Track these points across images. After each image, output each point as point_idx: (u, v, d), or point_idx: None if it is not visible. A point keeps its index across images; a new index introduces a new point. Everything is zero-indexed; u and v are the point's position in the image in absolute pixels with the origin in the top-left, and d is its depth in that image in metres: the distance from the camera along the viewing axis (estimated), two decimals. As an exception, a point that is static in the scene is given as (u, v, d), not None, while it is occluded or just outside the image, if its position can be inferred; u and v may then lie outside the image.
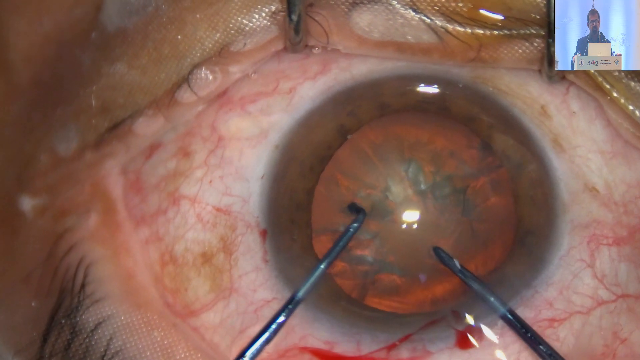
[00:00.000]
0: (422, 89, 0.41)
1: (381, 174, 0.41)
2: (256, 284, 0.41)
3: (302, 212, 0.41)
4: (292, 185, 0.41)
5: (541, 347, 0.39)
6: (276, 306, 0.40)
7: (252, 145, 0.41)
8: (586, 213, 0.40)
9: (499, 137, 0.41)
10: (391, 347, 0.40)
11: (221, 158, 0.41)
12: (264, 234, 0.41)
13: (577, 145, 0.40)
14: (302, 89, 0.41)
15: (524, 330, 0.39)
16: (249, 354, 0.39)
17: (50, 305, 0.39)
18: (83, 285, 0.39)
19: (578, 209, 0.40)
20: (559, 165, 0.40)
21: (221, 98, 0.40)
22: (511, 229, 0.41)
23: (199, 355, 0.39)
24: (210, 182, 0.41)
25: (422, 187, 0.41)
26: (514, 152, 0.41)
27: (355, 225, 0.40)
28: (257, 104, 0.41)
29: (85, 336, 0.38)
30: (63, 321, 0.38)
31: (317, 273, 0.40)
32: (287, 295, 0.40)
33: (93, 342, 0.38)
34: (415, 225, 0.41)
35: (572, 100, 0.40)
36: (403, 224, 0.41)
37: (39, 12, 0.38)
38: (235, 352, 0.40)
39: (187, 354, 0.39)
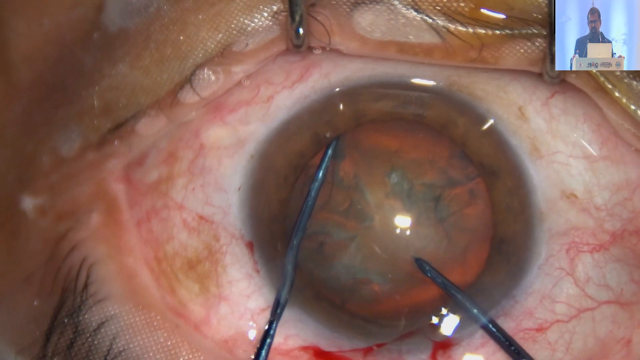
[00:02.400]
0: (398, 97, 0.41)
1: (356, 184, 0.41)
2: (248, 292, 0.41)
3: (281, 224, 0.41)
4: (270, 196, 0.41)
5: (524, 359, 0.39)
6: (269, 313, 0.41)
7: (230, 154, 0.41)
8: (564, 221, 0.40)
9: (474, 144, 0.41)
10: (368, 351, 0.40)
11: (202, 166, 0.41)
12: (250, 245, 0.41)
13: (556, 150, 0.40)
14: (280, 98, 0.41)
15: (507, 342, 0.39)
16: None
17: (52, 304, 0.39)
18: (86, 285, 0.39)
19: (555, 217, 0.40)
20: (536, 173, 0.40)
21: (208, 105, 0.40)
22: (488, 238, 0.41)
23: (202, 357, 0.39)
24: (193, 189, 0.41)
25: (396, 195, 0.41)
26: (490, 160, 0.41)
27: (329, 152, 0.40)
28: (237, 113, 0.41)
29: (88, 336, 0.38)
30: (66, 320, 0.38)
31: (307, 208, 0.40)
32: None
33: (96, 342, 0.38)
34: (391, 234, 0.41)
35: (555, 105, 0.40)
36: (378, 232, 0.41)
37: (38, 13, 0.38)
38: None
39: (191, 356, 0.39)
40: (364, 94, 0.41)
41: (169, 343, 0.39)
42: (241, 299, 0.40)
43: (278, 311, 0.40)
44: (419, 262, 0.40)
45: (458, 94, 0.40)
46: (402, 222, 0.41)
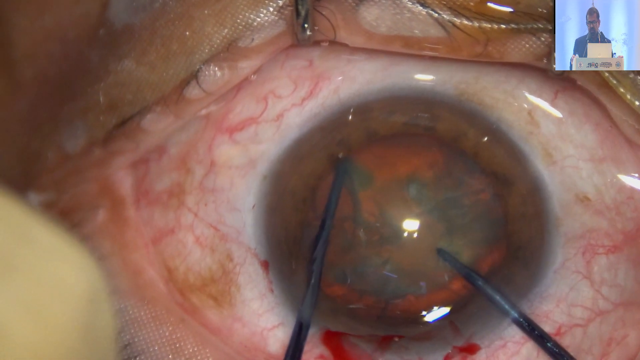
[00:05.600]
0: (408, 111, 0.41)
1: (368, 200, 0.41)
2: (261, 311, 0.41)
3: (299, 245, 0.41)
4: (286, 217, 0.41)
5: (549, 344, 0.39)
6: (281, 331, 0.41)
7: (242, 175, 0.41)
8: (580, 224, 0.40)
9: (487, 155, 0.41)
10: (384, 340, 0.41)
11: (214, 185, 0.41)
12: (265, 265, 0.41)
13: (567, 154, 0.40)
14: (290, 116, 0.40)
15: (536, 332, 0.39)
16: None
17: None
18: None
19: (571, 222, 0.40)
20: (550, 180, 0.40)
21: (221, 113, 0.40)
22: (504, 246, 0.41)
23: (207, 351, 0.39)
24: (206, 206, 0.41)
25: (410, 209, 0.41)
26: (504, 171, 0.41)
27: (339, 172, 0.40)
28: (247, 131, 0.40)
29: None
30: (71, 315, 0.38)
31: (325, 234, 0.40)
32: (293, 319, 0.40)
33: None
34: (412, 249, 0.41)
35: (560, 106, 0.40)
36: (399, 250, 0.41)
37: (40, 10, 0.37)
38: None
39: (196, 349, 0.39)
40: (374, 109, 0.41)
41: (174, 337, 0.39)
42: (254, 317, 0.40)
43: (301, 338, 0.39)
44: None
45: (468, 103, 0.40)
46: (419, 234, 0.41)
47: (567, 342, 0.40)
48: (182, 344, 0.39)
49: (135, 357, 0.38)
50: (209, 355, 0.39)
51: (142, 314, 0.39)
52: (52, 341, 0.21)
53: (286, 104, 0.40)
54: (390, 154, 0.41)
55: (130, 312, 0.39)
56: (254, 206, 0.41)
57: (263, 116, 0.40)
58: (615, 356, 0.39)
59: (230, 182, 0.41)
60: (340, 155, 0.41)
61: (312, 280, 0.40)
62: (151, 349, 0.38)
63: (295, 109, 0.40)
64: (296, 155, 0.41)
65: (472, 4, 0.37)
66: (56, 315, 0.21)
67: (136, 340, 0.38)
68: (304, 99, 0.40)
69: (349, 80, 0.40)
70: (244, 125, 0.40)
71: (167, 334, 0.39)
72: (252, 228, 0.41)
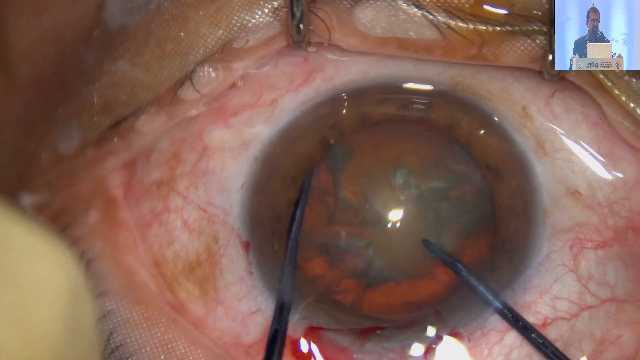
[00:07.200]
0: (403, 99, 0.41)
1: (360, 186, 0.41)
2: (241, 295, 0.40)
3: (283, 225, 0.41)
4: (273, 198, 0.41)
5: (533, 335, 0.39)
6: (260, 317, 0.40)
7: (234, 156, 0.41)
8: (568, 217, 0.40)
9: (480, 144, 0.41)
10: (362, 333, 0.40)
11: (205, 168, 0.41)
12: (246, 245, 0.41)
13: (560, 148, 0.40)
14: (284, 101, 0.40)
15: (520, 324, 0.39)
16: None
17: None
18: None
19: (560, 214, 0.40)
20: (541, 170, 0.40)
21: (214, 107, 0.40)
22: (492, 235, 0.41)
23: (199, 351, 0.39)
24: (196, 189, 0.41)
25: (398, 197, 0.41)
26: (496, 158, 0.41)
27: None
28: (241, 116, 0.40)
29: None
30: (63, 316, 0.38)
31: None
32: (272, 305, 0.40)
33: None
34: (397, 237, 0.41)
35: (556, 103, 0.40)
36: (385, 236, 0.41)
37: (37, 11, 0.37)
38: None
39: (188, 350, 0.39)
40: (368, 96, 0.41)
41: (166, 337, 0.39)
42: (234, 302, 0.40)
43: (282, 318, 0.39)
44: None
45: (462, 93, 0.40)
46: (406, 223, 0.41)
47: (553, 335, 0.40)
48: (174, 344, 0.39)
49: (127, 358, 0.38)
50: (200, 355, 0.39)
51: (134, 315, 0.39)
52: (35, 345, 0.20)
53: (281, 91, 0.41)
54: (383, 140, 0.41)
55: (122, 313, 0.39)
56: (242, 186, 0.41)
57: (258, 103, 0.41)
58: (609, 356, 0.39)
59: (222, 164, 0.41)
60: (331, 141, 0.41)
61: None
62: (143, 350, 0.38)
63: (289, 95, 0.41)
64: (288, 138, 0.41)
65: (467, 6, 0.37)
66: (37, 318, 0.20)
67: (128, 341, 0.38)
68: (298, 86, 0.40)
69: (343, 70, 0.41)
70: (237, 111, 0.40)
71: (159, 334, 0.39)
72: (238, 209, 0.41)
